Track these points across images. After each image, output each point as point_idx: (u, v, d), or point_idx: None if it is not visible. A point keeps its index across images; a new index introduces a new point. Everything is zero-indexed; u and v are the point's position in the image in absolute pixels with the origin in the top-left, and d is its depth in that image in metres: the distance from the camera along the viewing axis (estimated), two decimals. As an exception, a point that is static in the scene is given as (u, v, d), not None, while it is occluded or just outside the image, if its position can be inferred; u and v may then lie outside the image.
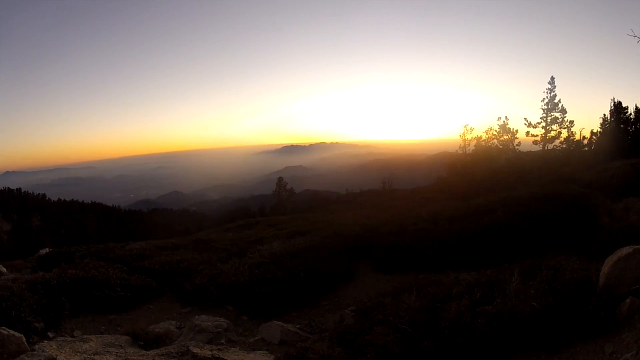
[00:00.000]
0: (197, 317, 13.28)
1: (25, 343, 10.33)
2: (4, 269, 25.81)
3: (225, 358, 8.47)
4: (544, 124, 49.70)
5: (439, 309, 8.34)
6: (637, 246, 7.61)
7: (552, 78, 49.54)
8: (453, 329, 7.43)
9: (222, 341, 11.61)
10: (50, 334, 13.31)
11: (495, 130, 52.75)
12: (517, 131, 52.53)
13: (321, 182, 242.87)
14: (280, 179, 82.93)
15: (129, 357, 8.47)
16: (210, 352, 8.69)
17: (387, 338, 7.63)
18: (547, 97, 49.19)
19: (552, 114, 49.45)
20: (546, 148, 50.09)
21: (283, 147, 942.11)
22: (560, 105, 49.12)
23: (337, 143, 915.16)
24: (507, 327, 7.21)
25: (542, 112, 49.81)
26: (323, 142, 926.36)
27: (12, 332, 10.46)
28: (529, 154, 51.92)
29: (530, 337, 7.10)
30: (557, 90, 49.05)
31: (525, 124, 50.87)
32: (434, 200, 37.83)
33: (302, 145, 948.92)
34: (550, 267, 9.46)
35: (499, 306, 7.63)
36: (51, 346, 9.43)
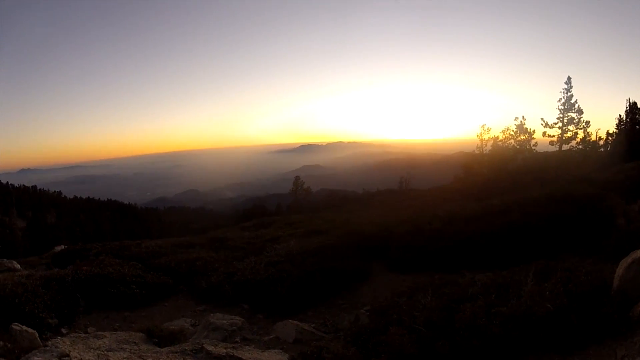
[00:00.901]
0: (212, 315, 13.31)
1: (38, 339, 10.38)
2: (18, 266, 25.98)
3: (240, 356, 8.45)
4: (560, 124, 49.57)
5: (454, 309, 8.26)
6: (653, 248, 7.52)
7: (569, 78, 49.36)
8: (468, 330, 7.36)
9: (237, 339, 11.61)
10: (63, 330, 13.39)
11: (512, 131, 52.64)
12: (534, 131, 52.44)
13: (338, 181, 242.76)
14: (297, 178, 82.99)
15: (143, 354, 8.46)
16: (224, 350, 8.68)
17: (402, 338, 7.57)
18: (563, 97, 49.05)
19: (569, 114, 49.31)
20: (562, 149, 49.89)
21: (300, 146, 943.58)
22: (576, 106, 48.94)
23: (354, 142, 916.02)
24: (522, 329, 7.14)
25: (558, 112, 49.62)
26: (340, 142, 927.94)
27: (25, 327, 10.51)
28: (545, 154, 51.77)
29: (544, 339, 7.03)
30: (573, 91, 48.85)
31: (542, 124, 50.71)
32: (451, 200, 37.70)
33: (319, 144, 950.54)
34: (565, 268, 9.37)
35: (514, 307, 7.55)
36: (64, 342, 9.44)
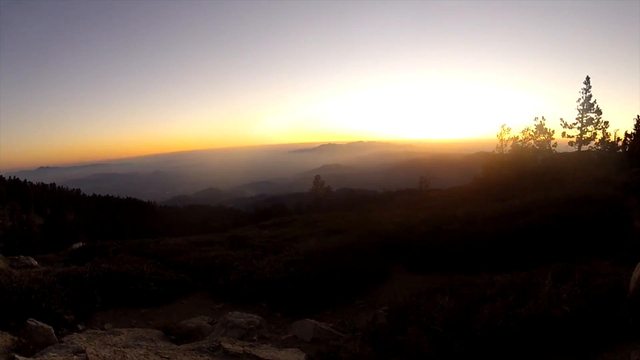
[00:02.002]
0: (230, 313, 13.35)
1: (54, 335, 10.41)
2: (35, 262, 26.16)
3: (257, 354, 8.44)
4: (579, 124, 49.18)
5: (472, 310, 8.22)
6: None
7: (588, 78, 48.98)
8: (485, 331, 7.32)
9: (254, 337, 11.61)
10: (80, 327, 13.46)
11: (532, 131, 52.40)
12: (553, 132, 52.18)
13: (358, 180, 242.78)
14: (317, 177, 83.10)
15: (160, 350, 8.47)
16: (241, 348, 8.67)
17: (420, 339, 7.54)
18: (582, 97, 48.70)
19: (588, 114, 48.95)
20: (581, 149, 49.56)
21: (320, 146, 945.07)
22: (595, 106, 48.54)
23: (374, 142, 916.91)
24: (539, 331, 7.08)
25: (577, 112, 49.30)
26: (360, 141, 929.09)
27: (40, 323, 10.55)
28: (565, 155, 51.49)
29: (560, 342, 6.96)
30: (592, 91, 48.48)
31: (561, 125, 50.40)
32: (470, 201, 37.65)
33: (340, 143, 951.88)
34: (582, 271, 9.32)
35: (532, 309, 7.49)
36: (80, 338, 9.48)
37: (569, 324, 7.00)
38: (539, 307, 7.52)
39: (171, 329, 11.14)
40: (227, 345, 8.71)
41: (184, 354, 8.32)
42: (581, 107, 48.72)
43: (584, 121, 48.97)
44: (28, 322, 10.50)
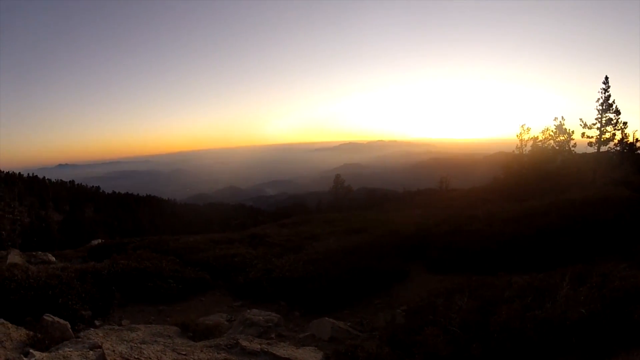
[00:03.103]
0: (248, 310, 13.36)
1: (70, 330, 10.46)
2: (53, 258, 26.32)
3: (274, 352, 8.42)
4: (598, 125, 48.74)
5: (489, 311, 8.16)
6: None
7: (606, 78, 48.45)
8: (502, 332, 7.26)
9: (272, 335, 11.60)
10: (97, 322, 13.55)
11: (552, 131, 52.10)
12: (572, 132, 51.82)
13: (378, 180, 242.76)
14: (337, 176, 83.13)
15: (177, 347, 8.48)
16: (259, 346, 8.66)
17: (437, 339, 7.49)
18: (601, 97, 48.19)
19: (607, 114, 48.45)
20: (600, 150, 49.16)
21: (341, 145, 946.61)
22: (614, 106, 48.09)
23: (394, 141, 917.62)
24: (555, 333, 7.01)
25: (597, 112, 48.91)
26: (381, 140, 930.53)
27: (56, 319, 10.60)
28: (584, 155, 51.15)
29: (576, 344, 6.89)
30: (611, 91, 48.03)
31: (580, 125, 50.04)
32: (490, 201, 37.64)
33: (360, 142, 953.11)
34: (599, 273, 9.24)
35: (549, 311, 7.41)
36: (97, 334, 9.52)
37: (585, 327, 6.94)
38: (556, 309, 7.46)
39: (189, 325, 11.18)
40: (244, 343, 8.71)
41: (201, 351, 8.32)
42: (600, 108, 48.25)
43: (603, 121, 48.47)
44: (44, 317, 10.55)
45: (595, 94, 48.59)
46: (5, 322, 9.54)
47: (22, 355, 7.71)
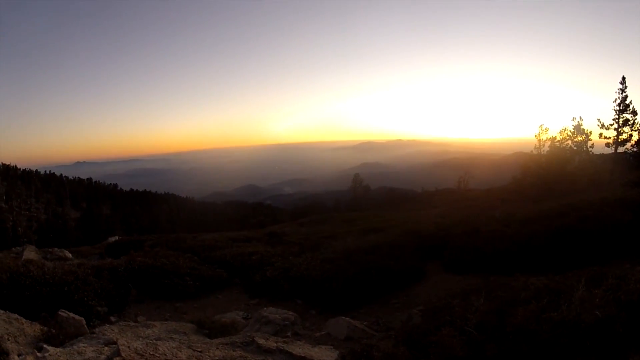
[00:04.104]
0: (264, 309, 13.34)
1: (85, 326, 10.50)
2: (70, 255, 26.49)
3: (290, 350, 8.40)
4: (615, 125, 48.34)
5: (506, 313, 8.11)
6: None
7: (624, 78, 48.04)
8: (518, 334, 7.21)
9: (288, 334, 11.59)
10: (112, 319, 13.64)
11: (570, 132, 51.82)
12: (590, 132, 51.52)
13: (397, 179, 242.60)
14: (356, 175, 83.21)
15: (192, 344, 8.47)
16: (275, 344, 8.63)
17: (453, 340, 7.44)
18: (618, 97, 47.78)
19: (624, 115, 48.03)
20: (618, 151, 48.77)
21: (360, 144, 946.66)
22: (631, 107, 47.67)
23: (413, 141, 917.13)
24: (570, 336, 6.95)
25: (614, 113, 48.50)
26: (399, 140, 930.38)
27: (71, 314, 10.64)
28: (601, 156, 50.84)
29: (590, 347, 6.82)
30: (628, 91, 47.62)
31: (598, 126, 49.68)
32: (508, 201, 37.62)
33: (379, 142, 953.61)
34: (616, 275, 9.16)
35: (564, 314, 7.34)
36: (112, 330, 9.57)
37: (599, 330, 6.89)
38: (571, 311, 7.40)
39: (205, 323, 11.19)
40: (260, 341, 8.68)
41: (217, 348, 8.30)
42: (617, 108, 47.81)
43: (620, 122, 48.06)
44: (59, 313, 10.59)
45: (612, 98, 48.35)
46: (19, 317, 9.59)
47: (35, 351, 7.74)
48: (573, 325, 6.98)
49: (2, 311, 9.75)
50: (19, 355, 7.63)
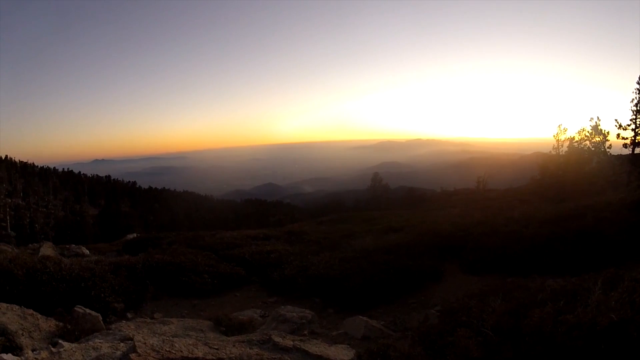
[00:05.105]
0: (282, 307, 13.35)
1: (101, 322, 10.56)
2: (87, 251, 26.66)
3: (306, 349, 8.39)
4: (633, 126, 47.88)
5: (522, 314, 8.07)
6: None
7: None
8: (534, 336, 7.17)
9: (305, 332, 11.61)
10: (129, 315, 13.73)
11: (588, 132, 51.52)
12: (608, 133, 51.15)
13: (416, 179, 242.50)
14: (375, 175, 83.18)
15: (209, 341, 8.46)
16: (291, 342, 8.62)
17: (469, 341, 7.41)
18: (635, 97, 47.25)
19: None
20: (635, 151, 48.33)
21: (379, 143, 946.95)
22: None
23: (432, 140, 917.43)
24: (585, 338, 6.89)
25: (631, 113, 48.02)
26: (418, 139, 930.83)
27: (88, 310, 10.70)
28: (619, 157, 50.53)
29: (605, 350, 6.77)
30: None
31: (615, 126, 49.29)
32: (527, 202, 37.51)
33: (398, 141, 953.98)
34: (632, 278, 9.09)
35: (580, 316, 7.28)
36: (129, 326, 9.62)
37: (614, 332, 6.84)
38: (587, 314, 7.36)
39: (222, 320, 11.23)
40: (277, 339, 8.68)
41: (233, 346, 8.31)
42: (634, 108, 47.26)
43: (638, 123, 47.54)
44: (75, 308, 10.66)
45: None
46: (34, 312, 9.66)
47: (50, 346, 7.77)
48: (588, 327, 6.94)
49: (17, 306, 9.83)
50: (33, 350, 7.66)
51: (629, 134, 48.04)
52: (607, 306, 7.31)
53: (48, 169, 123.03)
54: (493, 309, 8.78)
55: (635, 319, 6.79)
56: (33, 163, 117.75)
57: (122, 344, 7.72)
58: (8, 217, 66.60)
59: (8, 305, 9.92)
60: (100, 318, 10.67)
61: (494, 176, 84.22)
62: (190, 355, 7.35)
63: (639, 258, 14.31)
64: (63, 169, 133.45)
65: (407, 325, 12.49)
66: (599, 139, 51.07)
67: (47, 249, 26.15)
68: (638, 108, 46.96)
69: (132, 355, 6.95)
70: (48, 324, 9.29)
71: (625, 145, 48.87)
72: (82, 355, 7.06)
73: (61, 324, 9.52)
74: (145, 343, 7.46)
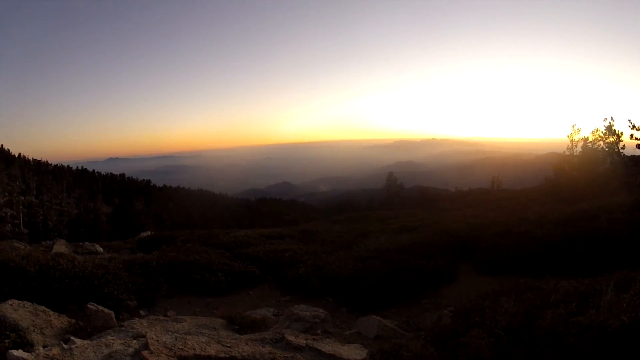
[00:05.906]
0: (295, 306, 13.38)
1: (114, 319, 10.62)
2: (101, 249, 26.80)
3: (319, 348, 8.40)
4: None
5: (535, 315, 8.04)
6: None
7: None
8: (546, 337, 7.14)
9: (318, 331, 11.61)
10: (142, 312, 13.81)
11: (601, 132, 51.42)
12: (622, 133, 51.04)
13: (430, 178, 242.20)
14: (390, 174, 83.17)
15: (222, 339, 8.49)
16: (304, 341, 8.63)
17: (481, 342, 7.39)
18: None
19: None
20: None
21: (394, 142, 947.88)
22: None
23: (447, 140, 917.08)
24: (597, 341, 6.85)
25: None
26: (433, 139, 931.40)
27: (100, 307, 10.77)
28: (633, 158, 50.37)
29: (615, 353, 6.72)
30: None
31: (629, 127, 49.03)
32: (541, 203, 37.38)
33: (413, 141, 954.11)
34: None
35: (592, 318, 7.25)
36: (141, 323, 9.66)
37: (625, 335, 6.80)
38: (599, 315, 7.32)
39: (235, 318, 11.27)
40: (290, 338, 8.69)
41: (246, 344, 8.32)
42: (647, 107, 47.11)
43: (651, 123, 47.25)
44: (88, 305, 10.74)
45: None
46: (46, 309, 9.72)
47: (61, 342, 7.79)
48: (600, 329, 6.91)
49: (28, 303, 9.90)
50: (44, 347, 7.70)
51: (642, 134, 47.83)
52: (619, 308, 7.28)
53: (62, 167, 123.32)
54: (506, 309, 8.76)
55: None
56: (47, 161, 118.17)
57: (134, 341, 7.73)
58: (21, 215, 67.11)
59: (20, 301, 10.01)
60: (113, 315, 10.74)
61: (508, 176, 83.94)
62: (202, 353, 7.37)
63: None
64: (77, 167, 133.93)
65: (420, 325, 12.48)
66: (612, 139, 50.93)
67: (60, 247, 26.30)
68: (651, 107, 46.65)
69: (145, 353, 6.97)
70: (60, 321, 9.35)
71: (638, 146, 48.59)
72: (94, 352, 7.08)
73: (73, 320, 9.58)
74: (157, 340, 7.49)
